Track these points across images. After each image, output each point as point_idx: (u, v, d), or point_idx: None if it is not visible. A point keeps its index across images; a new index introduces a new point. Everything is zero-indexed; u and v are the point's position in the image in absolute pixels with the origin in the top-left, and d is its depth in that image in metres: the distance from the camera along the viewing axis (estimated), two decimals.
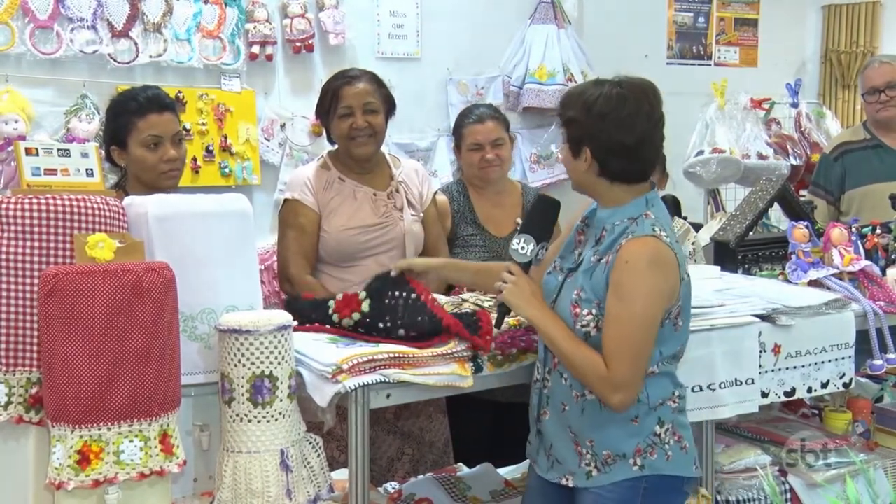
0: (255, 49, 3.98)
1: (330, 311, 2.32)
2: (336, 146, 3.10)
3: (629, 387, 2.11)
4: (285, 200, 3.08)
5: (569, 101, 2.22)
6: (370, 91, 3.02)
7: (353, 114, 2.98)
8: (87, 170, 2.07)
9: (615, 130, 2.13)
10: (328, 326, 2.31)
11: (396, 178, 3.11)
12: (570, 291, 2.19)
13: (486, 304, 2.44)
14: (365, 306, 2.28)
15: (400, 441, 3.01)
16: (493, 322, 2.26)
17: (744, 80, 5.19)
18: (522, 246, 2.25)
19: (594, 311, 2.13)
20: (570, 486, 2.22)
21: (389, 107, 3.09)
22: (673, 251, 2.13)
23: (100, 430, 1.83)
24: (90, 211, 1.95)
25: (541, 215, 2.31)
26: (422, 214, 3.13)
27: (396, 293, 2.31)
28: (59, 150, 2.07)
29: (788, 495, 2.69)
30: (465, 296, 2.55)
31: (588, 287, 2.15)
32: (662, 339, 2.16)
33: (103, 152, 2.71)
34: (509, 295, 2.21)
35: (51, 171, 2.03)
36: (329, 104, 3.03)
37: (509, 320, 2.30)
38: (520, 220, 3.35)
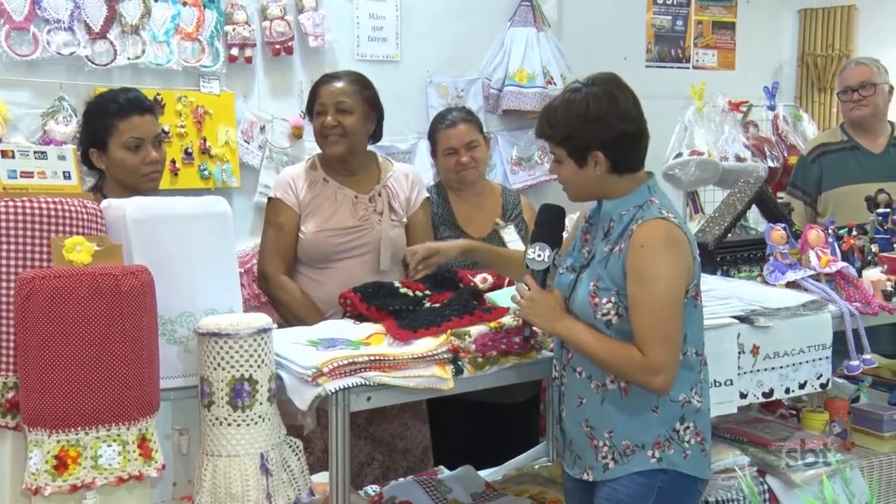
0: (235, 51, 3.96)
1: (397, 285, 2.52)
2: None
3: (668, 368, 2.13)
4: (269, 199, 3.13)
5: (555, 120, 2.22)
6: (347, 91, 3.02)
7: (325, 112, 3.00)
8: (64, 172, 2.06)
9: (619, 124, 2.17)
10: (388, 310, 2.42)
11: (382, 181, 3.10)
12: (585, 285, 2.21)
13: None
14: (427, 290, 2.52)
15: (371, 446, 3.01)
16: (524, 334, 2.30)
17: (722, 83, 5.21)
18: (538, 253, 2.26)
19: (613, 299, 2.16)
20: (591, 479, 2.24)
21: (371, 109, 3.08)
22: (683, 231, 2.17)
23: (77, 434, 1.81)
24: (67, 214, 1.93)
25: (549, 222, 2.32)
26: (405, 220, 3.10)
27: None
28: (35, 152, 2.05)
29: (767, 496, 2.71)
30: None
31: (605, 276, 2.17)
32: (686, 319, 2.18)
33: (80, 154, 2.69)
34: (529, 313, 2.24)
35: (27, 174, 2.01)
36: (310, 103, 3.09)
37: (490, 323, 2.30)
38: (499, 221, 3.36)
